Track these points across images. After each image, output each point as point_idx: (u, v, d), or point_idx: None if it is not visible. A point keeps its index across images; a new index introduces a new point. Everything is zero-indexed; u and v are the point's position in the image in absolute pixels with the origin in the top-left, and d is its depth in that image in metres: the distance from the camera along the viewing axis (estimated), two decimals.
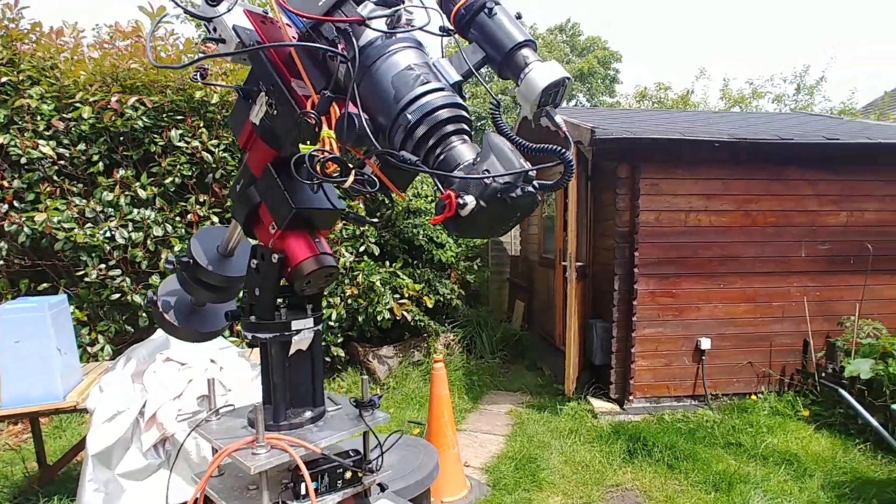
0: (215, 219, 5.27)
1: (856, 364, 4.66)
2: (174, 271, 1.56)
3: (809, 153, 5.44)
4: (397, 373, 6.43)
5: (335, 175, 1.00)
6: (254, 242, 1.42)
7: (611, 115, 7.75)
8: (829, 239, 5.54)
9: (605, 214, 5.86)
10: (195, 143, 5.18)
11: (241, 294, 1.54)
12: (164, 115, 5.20)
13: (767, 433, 4.65)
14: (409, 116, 0.97)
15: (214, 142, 5.29)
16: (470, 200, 0.87)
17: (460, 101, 1.03)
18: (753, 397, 5.36)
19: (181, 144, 5.13)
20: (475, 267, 7.55)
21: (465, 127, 1.02)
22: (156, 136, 5.14)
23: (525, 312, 8.88)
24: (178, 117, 5.23)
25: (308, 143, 1.14)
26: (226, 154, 5.35)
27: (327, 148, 1.03)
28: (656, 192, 5.34)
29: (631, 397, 5.40)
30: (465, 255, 7.51)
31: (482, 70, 1.11)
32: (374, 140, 0.98)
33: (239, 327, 1.49)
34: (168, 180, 5.12)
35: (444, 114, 0.98)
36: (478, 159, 0.93)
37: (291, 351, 1.33)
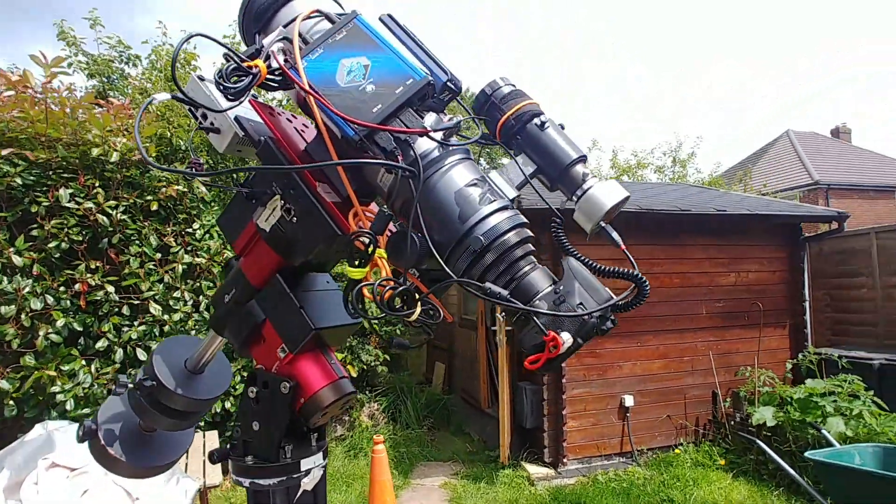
0: (110, 288, 4.62)
1: (761, 412, 5.08)
2: (120, 394, 1.25)
3: (701, 222, 6.10)
4: None
5: (400, 308, 0.88)
6: (257, 366, 1.17)
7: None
8: (723, 297, 6.15)
9: None
10: (88, 205, 4.58)
11: (202, 421, 1.26)
12: (52, 173, 4.57)
13: (694, 486, 4.84)
14: (482, 239, 0.88)
15: (112, 203, 4.72)
16: (567, 338, 0.80)
17: (525, 220, 0.96)
18: (677, 450, 5.62)
19: (70, 205, 4.51)
20: (398, 332, 7.33)
21: (532, 248, 0.95)
22: (39, 194, 4.47)
23: (446, 375, 8.72)
24: (69, 175, 4.62)
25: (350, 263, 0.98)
26: (125, 217, 4.79)
27: (381, 272, 0.91)
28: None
29: (564, 460, 5.40)
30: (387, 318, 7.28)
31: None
32: (444, 265, 0.87)
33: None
34: (52, 244, 4.43)
35: (513, 238, 0.90)
36: (560, 288, 0.87)
37: (297, 495, 1.10)
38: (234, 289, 1.14)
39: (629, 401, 5.61)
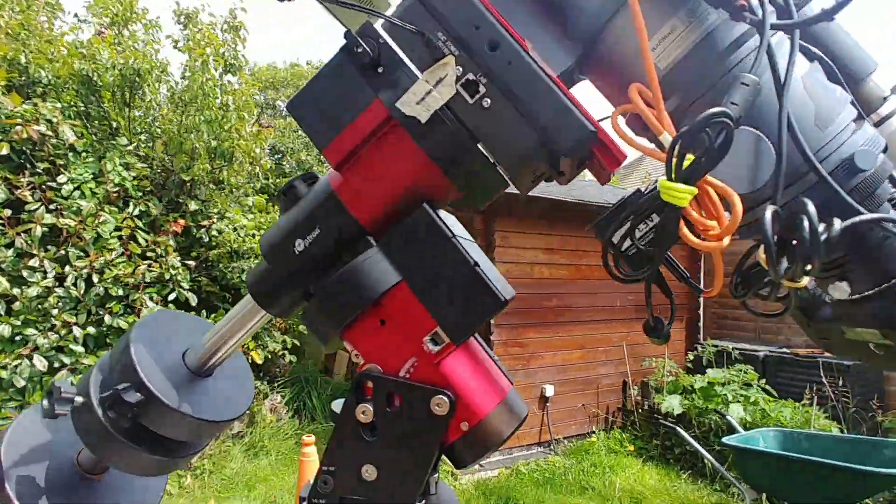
0: None
1: (669, 400, 5.37)
2: (56, 414, 0.71)
3: None
4: (212, 450, 5.13)
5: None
6: (363, 369, 0.70)
7: None
8: (633, 291, 6.43)
9: None
10: None
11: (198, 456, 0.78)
12: None
13: (610, 472, 4.97)
14: (873, 156, 0.55)
15: None
16: None
17: None
18: (593, 438, 5.76)
19: None
20: None
21: None
22: None
23: (350, 363, 8.21)
24: None
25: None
26: None
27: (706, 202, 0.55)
28: (507, 245, 5.50)
29: None
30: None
31: None
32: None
33: None
34: None
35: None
36: None
37: None
38: (317, 228, 0.67)
39: (549, 390, 5.63)
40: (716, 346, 6.09)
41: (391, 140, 0.64)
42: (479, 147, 0.63)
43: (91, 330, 4.32)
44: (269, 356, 5.66)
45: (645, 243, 0.64)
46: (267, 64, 15.80)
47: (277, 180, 8.11)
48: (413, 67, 0.64)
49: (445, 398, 0.61)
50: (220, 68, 5.46)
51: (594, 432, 5.89)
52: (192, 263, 5.10)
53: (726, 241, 0.57)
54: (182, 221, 5.22)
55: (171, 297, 4.80)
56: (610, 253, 0.69)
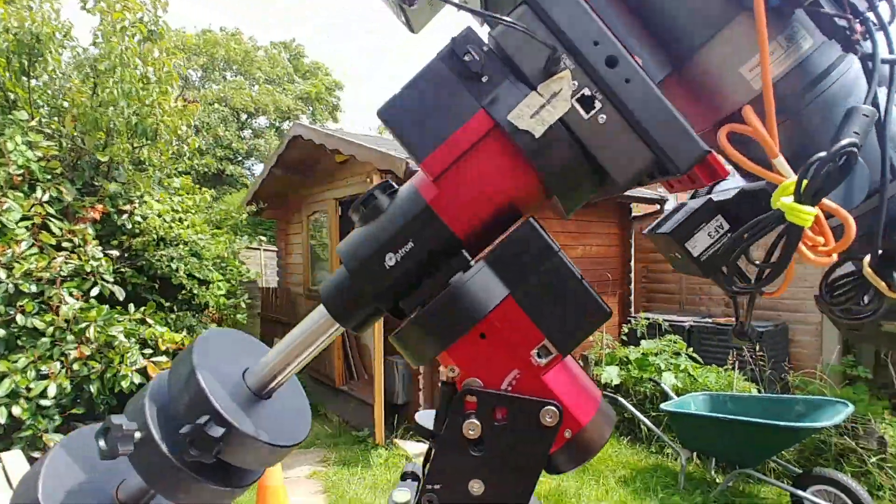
0: None
1: (608, 371, 5.70)
2: (111, 453, 0.63)
3: None
4: None
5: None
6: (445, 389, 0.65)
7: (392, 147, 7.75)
8: None
9: None
10: None
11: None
12: None
13: None
14: None
15: None
16: None
17: None
18: None
19: None
20: (243, 304, 6.37)
21: None
22: None
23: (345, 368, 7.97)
24: None
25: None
26: None
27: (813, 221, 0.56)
28: None
29: None
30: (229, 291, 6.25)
31: None
32: None
33: None
34: None
35: None
36: None
37: None
38: (410, 241, 0.63)
39: None
40: (647, 319, 6.51)
41: (492, 152, 0.61)
42: (591, 163, 0.61)
43: (0, 332, 3.85)
44: None
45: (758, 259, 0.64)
46: (175, 30, 14.60)
47: (202, 160, 7.56)
48: (510, 80, 0.60)
49: (555, 409, 0.60)
50: (138, 35, 4.93)
51: None
52: (114, 253, 4.66)
53: (834, 257, 0.60)
54: (100, 207, 4.74)
55: (94, 291, 4.38)
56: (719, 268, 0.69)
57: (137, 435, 0.63)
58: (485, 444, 0.61)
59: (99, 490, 0.70)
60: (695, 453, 4.57)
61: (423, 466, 0.83)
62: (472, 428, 0.60)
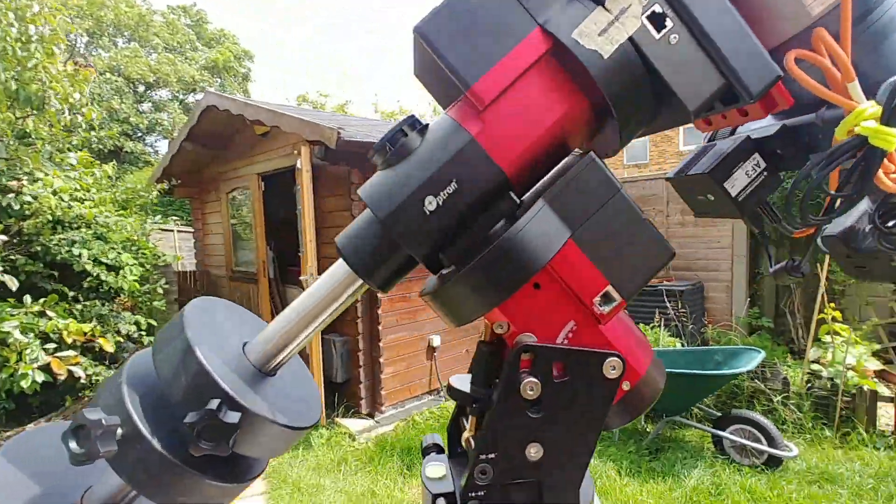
0: None
1: None
2: (84, 456, 0.49)
3: None
4: None
5: None
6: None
7: (319, 117, 7.35)
8: None
9: (332, 221, 5.52)
10: None
11: None
12: None
13: None
14: None
15: None
16: None
17: None
18: None
19: None
20: (159, 290, 5.86)
21: None
22: None
23: None
24: None
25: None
26: None
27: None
28: None
29: (382, 408, 5.28)
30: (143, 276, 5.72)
31: None
32: None
33: None
34: None
35: None
36: None
37: None
38: (453, 182, 0.54)
39: (436, 340, 5.78)
40: None
41: (548, 76, 0.53)
42: (658, 88, 0.55)
43: None
44: (122, 341, 4.89)
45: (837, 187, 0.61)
46: None
47: (101, 133, 6.79)
48: None
49: (618, 360, 0.56)
50: None
51: None
52: (2, 238, 4.08)
53: None
54: None
55: None
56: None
57: (120, 431, 0.50)
58: (543, 403, 0.56)
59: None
60: None
61: (449, 436, 0.76)
62: (531, 387, 0.55)
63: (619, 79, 0.52)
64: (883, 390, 4.21)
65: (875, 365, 4.68)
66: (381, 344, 5.25)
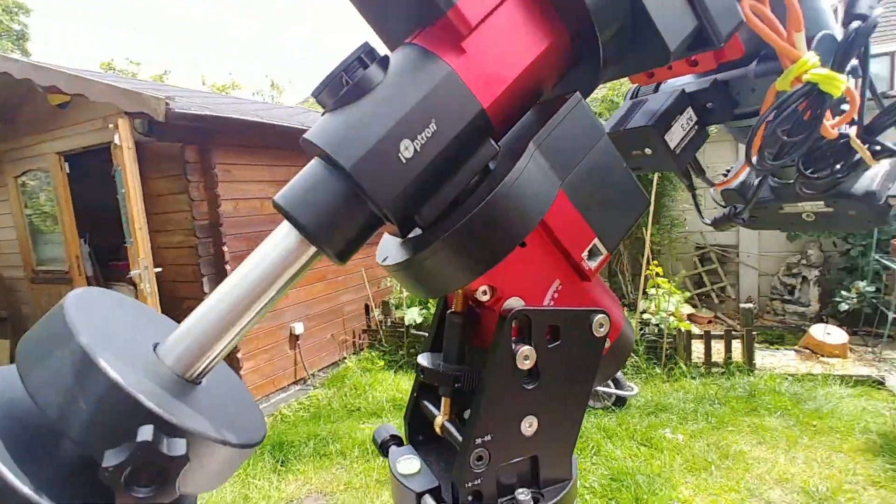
0: None
1: (409, 313, 5.91)
2: None
3: None
4: None
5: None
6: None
7: (138, 86, 6.23)
8: None
9: (163, 206, 4.83)
10: None
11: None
12: None
13: (371, 389, 5.26)
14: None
15: None
16: None
17: None
18: (347, 363, 5.91)
19: None
20: None
21: None
22: None
23: (12, 351, 6.15)
24: None
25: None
26: None
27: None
28: (231, 180, 4.85)
29: None
30: None
31: None
32: None
33: None
34: None
35: None
36: None
37: None
38: (433, 122, 0.44)
39: (299, 328, 5.45)
40: None
41: (533, 2, 0.48)
42: (640, 28, 0.52)
43: None
44: None
45: (786, 130, 0.62)
46: None
47: None
48: None
49: (605, 315, 0.53)
50: None
51: (346, 358, 6.07)
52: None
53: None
54: None
55: None
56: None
57: None
58: (539, 372, 0.52)
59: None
60: None
61: (409, 424, 0.66)
62: (526, 356, 0.50)
63: (610, 12, 0.49)
64: (695, 330, 5.05)
65: (688, 309, 5.59)
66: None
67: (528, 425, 0.53)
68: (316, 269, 5.68)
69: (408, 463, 0.60)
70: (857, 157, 0.69)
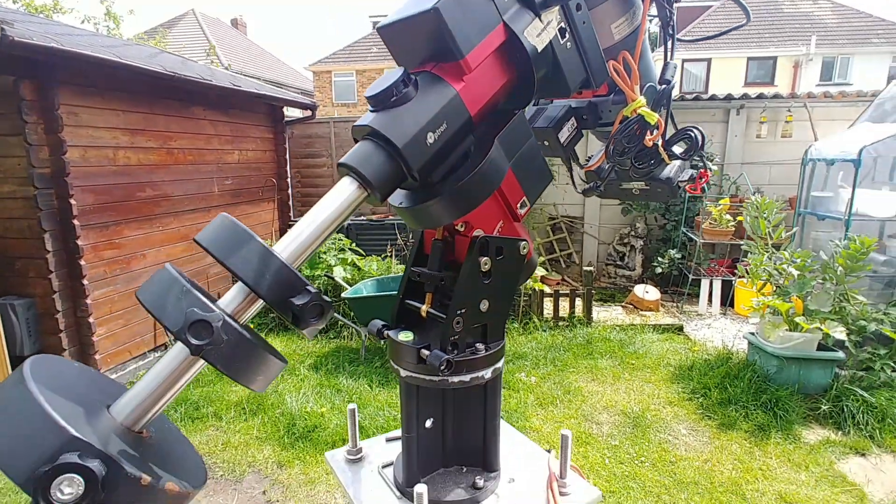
0: None
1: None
2: None
3: (210, 94, 5.83)
4: None
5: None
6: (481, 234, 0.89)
7: None
8: (230, 175, 6.29)
9: None
10: None
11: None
12: None
13: None
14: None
15: None
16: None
17: None
18: None
19: None
20: None
21: None
22: None
23: None
24: None
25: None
26: None
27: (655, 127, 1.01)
28: (76, 124, 4.31)
29: None
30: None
31: None
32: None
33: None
34: None
35: None
36: None
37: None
38: (444, 123, 0.74)
39: None
40: None
41: (501, 56, 0.79)
42: (557, 73, 0.85)
43: None
44: None
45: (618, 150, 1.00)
46: None
47: None
48: (551, 16, 0.82)
49: (526, 242, 0.90)
50: None
51: None
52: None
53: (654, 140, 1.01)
54: None
55: None
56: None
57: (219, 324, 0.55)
58: (491, 274, 0.85)
59: (96, 410, 0.58)
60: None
61: (397, 316, 0.97)
62: (485, 263, 0.84)
63: (542, 63, 0.81)
64: (546, 290, 5.77)
65: (541, 272, 6.32)
66: (88, 301, 4.34)
67: (484, 305, 0.85)
68: (177, 229, 5.31)
69: (404, 334, 0.89)
70: (661, 157, 1.08)
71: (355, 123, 0.75)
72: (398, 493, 0.94)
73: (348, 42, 26.13)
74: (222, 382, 4.59)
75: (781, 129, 6.79)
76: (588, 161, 1.23)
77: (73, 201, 4.19)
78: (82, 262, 4.28)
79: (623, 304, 6.47)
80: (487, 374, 0.88)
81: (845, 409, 3.76)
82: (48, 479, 0.45)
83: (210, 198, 5.92)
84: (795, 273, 4.09)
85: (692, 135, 1.03)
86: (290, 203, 7.49)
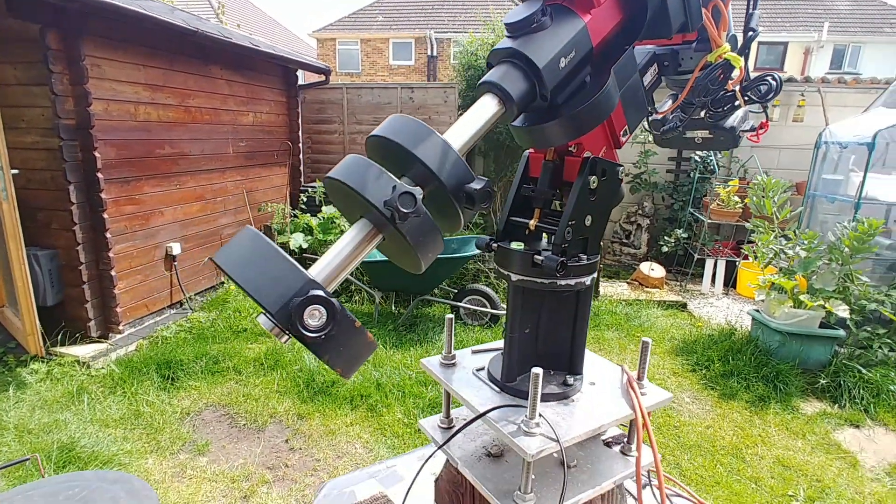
0: None
1: (295, 238, 5.91)
2: None
3: (226, 52, 5.78)
4: None
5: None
6: (587, 155, 0.95)
7: None
8: (245, 137, 6.29)
9: (15, 99, 4.13)
10: None
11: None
12: None
13: (256, 311, 5.26)
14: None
15: None
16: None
17: None
18: (229, 288, 5.73)
19: None
20: None
21: None
22: None
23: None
24: None
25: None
26: None
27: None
28: (100, 77, 4.31)
29: (120, 327, 4.54)
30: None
31: None
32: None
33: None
34: None
35: None
36: None
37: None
38: (573, 51, 0.83)
39: (176, 248, 5.16)
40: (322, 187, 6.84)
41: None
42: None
43: None
44: None
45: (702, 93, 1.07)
46: None
47: None
48: None
49: (623, 167, 0.99)
50: None
51: (224, 283, 5.89)
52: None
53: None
54: None
55: None
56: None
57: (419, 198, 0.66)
58: (597, 191, 0.93)
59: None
60: (381, 294, 5.46)
61: (504, 231, 1.04)
62: (594, 181, 0.93)
63: (653, 3, 0.90)
64: None
65: None
66: (110, 254, 4.41)
67: (588, 220, 0.94)
68: (193, 188, 5.35)
69: (516, 244, 0.99)
70: (736, 102, 1.15)
71: (495, 47, 0.82)
72: (497, 388, 1.03)
73: (353, 10, 25.59)
74: (238, 340, 4.71)
75: (793, 113, 6.83)
76: (655, 111, 1.30)
77: (97, 153, 4.22)
78: (105, 216, 4.34)
79: (628, 280, 6.60)
80: (587, 280, 0.97)
81: (842, 384, 3.93)
82: (301, 307, 0.55)
83: (225, 158, 5.94)
84: (803, 254, 4.21)
85: (770, 80, 1.11)
86: (301, 168, 7.50)
